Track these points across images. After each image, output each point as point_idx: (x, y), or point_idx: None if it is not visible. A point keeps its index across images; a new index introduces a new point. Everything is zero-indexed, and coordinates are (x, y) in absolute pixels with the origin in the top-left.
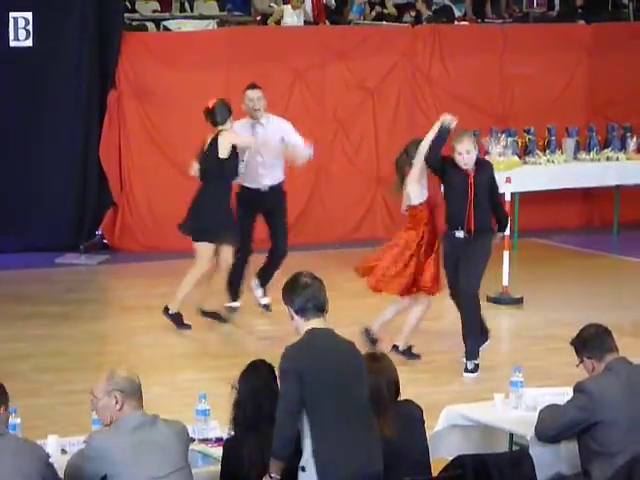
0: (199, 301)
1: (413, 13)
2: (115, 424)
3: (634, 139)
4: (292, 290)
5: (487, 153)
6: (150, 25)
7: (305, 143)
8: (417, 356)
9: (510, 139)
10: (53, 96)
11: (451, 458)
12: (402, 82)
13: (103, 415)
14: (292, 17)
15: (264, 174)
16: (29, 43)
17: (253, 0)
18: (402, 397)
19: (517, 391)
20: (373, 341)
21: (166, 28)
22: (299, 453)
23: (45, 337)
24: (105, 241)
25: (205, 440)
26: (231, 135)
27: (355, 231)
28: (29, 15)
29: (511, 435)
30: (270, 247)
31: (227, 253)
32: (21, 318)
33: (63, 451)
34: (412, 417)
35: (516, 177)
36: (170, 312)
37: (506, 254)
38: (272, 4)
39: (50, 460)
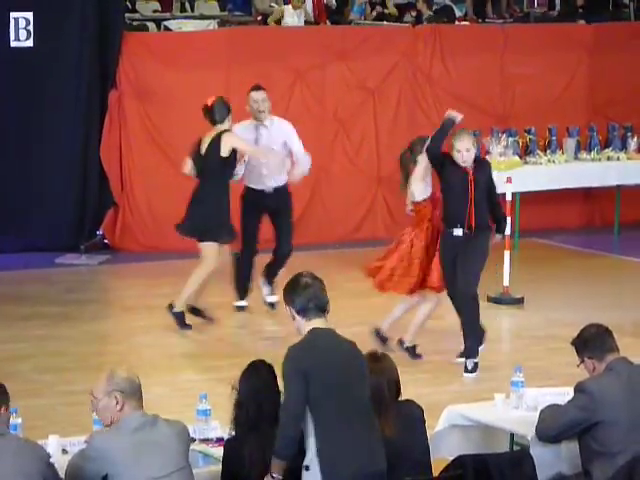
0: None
1: (414, 13)
2: (116, 424)
3: (635, 139)
4: (293, 290)
5: (488, 153)
6: (151, 25)
7: (303, 154)
8: (419, 356)
9: (511, 139)
10: (54, 96)
11: (452, 458)
12: (403, 82)
13: (103, 416)
14: (293, 17)
15: (268, 175)
16: (30, 43)
17: (254, 0)
18: (403, 397)
19: (518, 391)
20: (384, 340)
21: (167, 28)
22: (301, 453)
23: (45, 337)
24: (106, 241)
25: (206, 440)
26: (234, 139)
27: (356, 231)
28: (30, 15)
29: (512, 435)
30: (274, 246)
31: (224, 252)
32: (21, 318)
33: (64, 451)
34: (413, 417)
35: (517, 177)
36: (174, 310)
37: (507, 254)
38: (273, 4)
39: (51, 460)
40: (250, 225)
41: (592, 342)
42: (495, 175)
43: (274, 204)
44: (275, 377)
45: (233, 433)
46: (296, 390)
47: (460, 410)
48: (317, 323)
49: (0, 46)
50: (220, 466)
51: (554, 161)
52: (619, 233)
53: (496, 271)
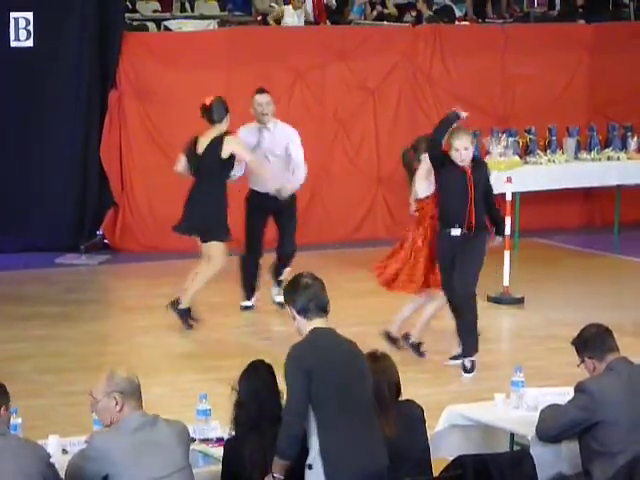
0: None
1: (414, 13)
2: (116, 425)
3: (635, 139)
4: (294, 291)
5: (488, 153)
6: (151, 25)
7: (301, 162)
8: (423, 354)
9: (511, 139)
10: (53, 96)
11: (452, 458)
12: (403, 82)
13: (103, 416)
14: (293, 17)
15: (270, 177)
16: (30, 43)
17: (254, 0)
18: (403, 397)
19: (518, 391)
20: (395, 341)
21: (167, 28)
22: (302, 452)
23: (45, 337)
24: (106, 241)
25: (206, 440)
26: (236, 145)
27: (356, 231)
28: (30, 15)
29: (512, 435)
30: (277, 246)
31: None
32: (21, 319)
33: (64, 451)
34: (413, 417)
35: (517, 177)
36: (180, 307)
37: (507, 254)
38: (273, 4)
39: (51, 460)
40: (255, 227)
41: (592, 342)
42: (495, 175)
43: (278, 206)
44: (275, 377)
45: (233, 433)
46: (299, 389)
47: (460, 410)
48: (318, 323)
49: (0, 46)
50: (220, 466)
51: (554, 161)
52: (619, 233)
53: (496, 271)
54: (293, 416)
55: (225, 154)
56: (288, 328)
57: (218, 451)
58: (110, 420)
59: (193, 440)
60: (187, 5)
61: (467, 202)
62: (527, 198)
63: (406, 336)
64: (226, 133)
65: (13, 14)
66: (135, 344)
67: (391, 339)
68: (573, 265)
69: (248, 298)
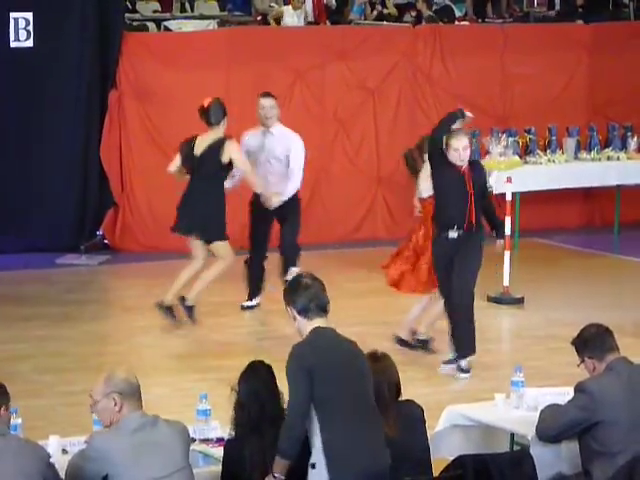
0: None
1: (414, 13)
2: (116, 425)
3: (635, 139)
4: (294, 291)
5: (488, 153)
6: (151, 25)
7: (297, 172)
8: (432, 350)
9: (511, 139)
10: (54, 96)
11: (452, 458)
12: (403, 82)
13: (103, 417)
14: (293, 17)
15: (274, 182)
16: (30, 44)
17: (253, 0)
18: (403, 397)
19: (518, 391)
20: (409, 345)
21: (167, 28)
22: (303, 452)
23: (45, 338)
24: (106, 241)
25: (206, 440)
26: (237, 152)
27: (356, 231)
28: (30, 15)
29: (512, 435)
30: (279, 244)
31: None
32: (21, 319)
33: (64, 451)
34: (413, 417)
35: (517, 177)
36: (187, 304)
37: (507, 254)
38: (272, 4)
39: (51, 460)
40: (259, 229)
41: (592, 342)
42: (495, 175)
43: (282, 209)
44: (274, 378)
45: (233, 434)
46: (301, 389)
47: (460, 410)
48: (318, 323)
49: (0, 46)
50: (220, 466)
51: (554, 161)
52: (619, 233)
53: (496, 271)
54: (295, 416)
55: (225, 159)
56: (288, 328)
57: (218, 451)
58: (110, 421)
59: (193, 440)
60: (187, 5)
61: (467, 202)
62: (527, 198)
63: (414, 333)
64: (226, 137)
65: (13, 14)
66: (135, 344)
67: (404, 343)
68: (573, 265)
69: (249, 298)
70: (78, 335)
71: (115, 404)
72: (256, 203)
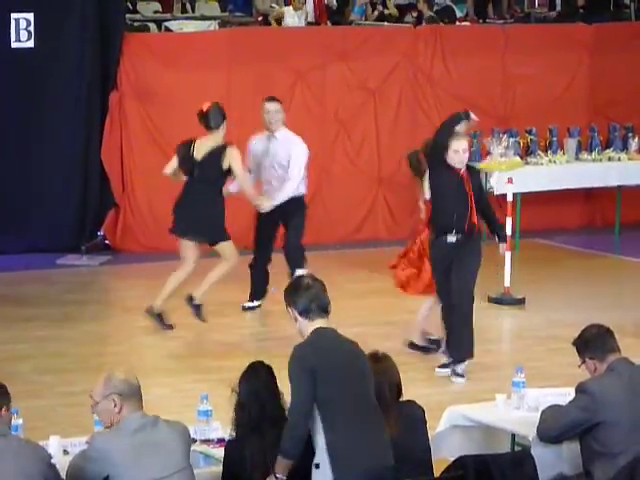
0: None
1: (415, 13)
2: (117, 425)
3: (636, 139)
4: (295, 292)
5: (489, 154)
6: (151, 26)
7: (294, 176)
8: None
9: (512, 139)
10: (54, 97)
11: (453, 459)
12: (403, 83)
13: (103, 418)
14: (293, 18)
15: (278, 187)
16: (30, 44)
17: (254, 1)
18: (404, 398)
19: (519, 391)
20: (422, 349)
21: (167, 29)
22: (305, 452)
23: (46, 338)
24: (106, 242)
25: (207, 441)
26: (237, 160)
27: (356, 232)
28: (30, 16)
29: (513, 436)
30: (283, 245)
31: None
32: (22, 319)
33: (65, 452)
34: (414, 418)
35: (518, 177)
36: (195, 303)
37: (508, 255)
38: (273, 5)
39: (52, 461)
40: (264, 232)
41: (593, 342)
42: (496, 176)
43: (287, 213)
44: (274, 378)
45: (234, 434)
46: (304, 389)
47: (461, 411)
48: (319, 323)
49: (1, 47)
50: (221, 467)
51: (555, 161)
52: (620, 233)
53: (497, 272)
54: (298, 416)
55: (226, 165)
56: (290, 329)
57: (219, 452)
58: (110, 421)
59: (194, 441)
60: (188, 6)
61: (467, 205)
62: (528, 199)
63: (425, 334)
64: (227, 144)
65: (14, 15)
66: (135, 344)
67: (416, 347)
68: (574, 266)
69: (250, 299)
70: (78, 335)
71: (115, 405)
72: None
